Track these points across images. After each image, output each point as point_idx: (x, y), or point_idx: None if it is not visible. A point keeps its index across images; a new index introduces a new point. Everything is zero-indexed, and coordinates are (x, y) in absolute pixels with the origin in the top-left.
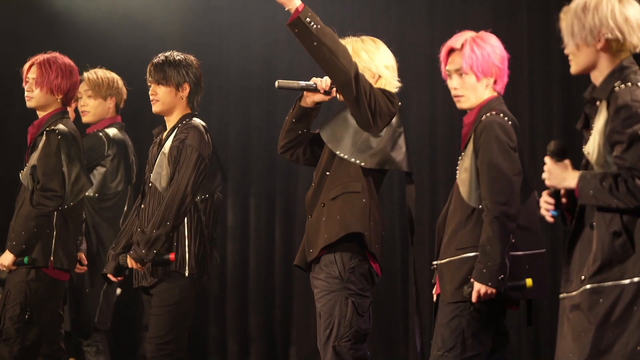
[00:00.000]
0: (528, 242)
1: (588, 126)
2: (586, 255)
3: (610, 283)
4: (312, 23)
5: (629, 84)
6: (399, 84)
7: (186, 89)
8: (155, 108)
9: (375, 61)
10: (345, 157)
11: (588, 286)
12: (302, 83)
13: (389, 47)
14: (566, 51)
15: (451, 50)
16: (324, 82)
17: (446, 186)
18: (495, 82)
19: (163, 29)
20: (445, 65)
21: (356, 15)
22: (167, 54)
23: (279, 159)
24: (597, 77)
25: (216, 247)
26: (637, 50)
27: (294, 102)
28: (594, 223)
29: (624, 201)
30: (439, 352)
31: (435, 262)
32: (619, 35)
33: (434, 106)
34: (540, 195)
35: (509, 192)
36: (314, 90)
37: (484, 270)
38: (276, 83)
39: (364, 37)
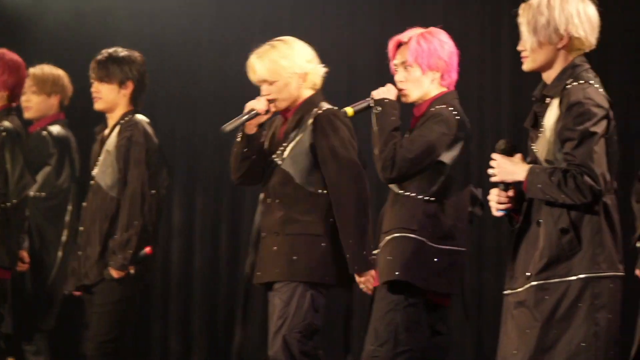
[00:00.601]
0: (452, 237)
1: (537, 124)
2: (532, 252)
3: (556, 280)
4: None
5: (582, 81)
6: (324, 69)
7: (129, 87)
8: (98, 105)
9: (297, 62)
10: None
11: (534, 283)
12: (244, 116)
13: (337, 43)
14: (522, 47)
15: (399, 45)
16: (261, 103)
17: None
18: (442, 76)
19: (114, 26)
20: (393, 59)
21: (306, 10)
22: (111, 50)
23: (226, 156)
24: (549, 75)
25: (159, 244)
26: (591, 49)
27: (237, 136)
28: (541, 220)
29: (572, 197)
30: (372, 346)
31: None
32: (582, 33)
33: None
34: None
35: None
36: (256, 115)
37: None
38: (222, 129)
39: (274, 43)
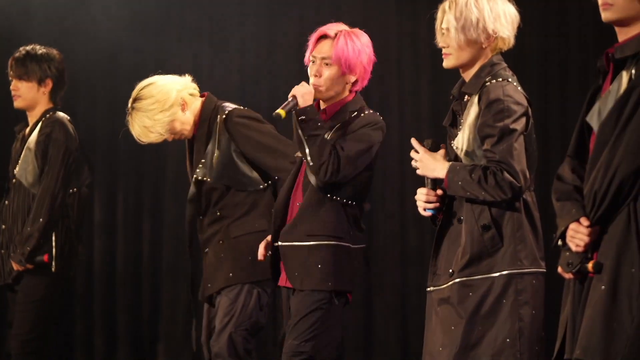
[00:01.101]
0: (363, 236)
1: (455, 122)
2: (454, 249)
3: (479, 277)
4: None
5: (500, 79)
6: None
7: (49, 84)
8: (17, 103)
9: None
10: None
11: (457, 280)
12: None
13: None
14: (444, 44)
15: (323, 37)
16: None
17: None
18: (356, 81)
19: (32, 23)
20: (312, 51)
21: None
22: (29, 47)
23: (146, 154)
24: (469, 72)
25: (82, 242)
26: (509, 48)
27: None
28: (462, 217)
29: (492, 194)
30: (296, 341)
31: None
32: (508, 33)
33: None
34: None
35: None
36: None
37: None
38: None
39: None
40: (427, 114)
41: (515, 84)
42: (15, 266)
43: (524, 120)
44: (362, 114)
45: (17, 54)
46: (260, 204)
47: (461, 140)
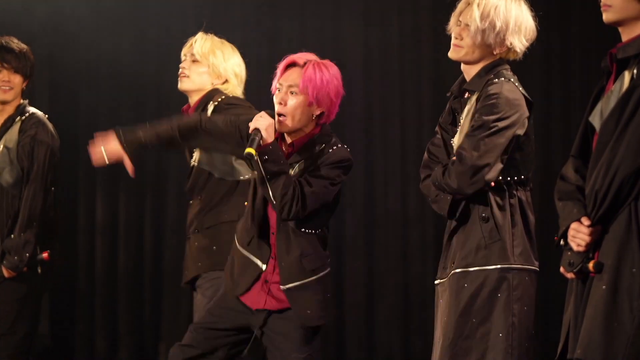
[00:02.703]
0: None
1: (455, 121)
2: (461, 241)
3: (475, 268)
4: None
5: (502, 78)
6: (242, 96)
7: (27, 80)
8: (7, 96)
9: (227, 64)
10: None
11: (457, 270)
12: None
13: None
14: (458, 36)
15: (291, 65)
16: None
17: None
18: (323, 114)
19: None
20: (279, 78)
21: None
22: (15, 40)
23: (149, 153)
24: (471, 71)
25: (58, 243)
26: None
27: None
28: (470, 211)
29: (442, 187)
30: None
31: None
32: (522, 48)
33: None
34: None
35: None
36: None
37: None
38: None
39: (224, 41)
40: (428, 112)
41: (516, 84)
42: (7, 273)
43: (512, 119)
44: (331, 149)
45: (12, 45)
46: (236, 194)
47: (457, 139)
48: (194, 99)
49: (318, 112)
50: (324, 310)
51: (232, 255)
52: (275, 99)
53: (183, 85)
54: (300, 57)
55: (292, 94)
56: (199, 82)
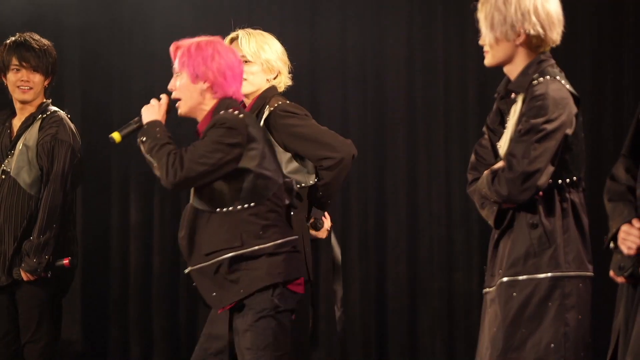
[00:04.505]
0: (276, 231)
1: (503, 121)
2: (508, 249)
3: (524, 277)
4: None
5: (548, 77)
6: (290, 81)
7: (50, 78)
8: (27, 96)
9: (277, 56)
10: None
11: (505, 279)
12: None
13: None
14: (481, 42)
15: (177, 49)
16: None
17: None
18: (211, 88)
19: None
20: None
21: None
22: (35, 37)
23: None
24: (512, 70)
25: (78, 245)
26: (555, 45)
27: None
28: (517, 217)
29: (492, 195)
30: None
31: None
32: (541, 31)
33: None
34: None
35: None
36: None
37: None
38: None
39: (262, 31)
40: (473, 110)
41: (563, 81)
42: (25, 276)
43: (561, 120)
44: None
45: (32, 43)
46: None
47: (504, 140)
48: (248, 100)
49: (205, 87)
50: (228, 291)
51: None
52: (169, 86)
53: (244, 89)
54: (185, 40)
55: (177, 76)
56: (257, 83)
